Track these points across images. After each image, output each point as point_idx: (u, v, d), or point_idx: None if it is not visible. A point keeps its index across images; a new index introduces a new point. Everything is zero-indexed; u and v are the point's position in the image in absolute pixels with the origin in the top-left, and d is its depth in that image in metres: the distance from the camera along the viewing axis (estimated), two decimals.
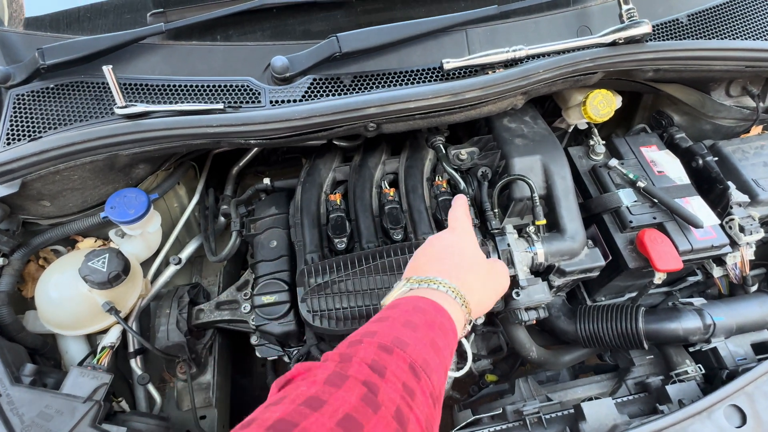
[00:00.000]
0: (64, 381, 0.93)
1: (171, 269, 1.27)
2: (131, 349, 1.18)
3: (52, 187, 1.01)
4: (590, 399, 1.08)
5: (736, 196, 1.17)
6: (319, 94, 1.01)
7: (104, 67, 0.92)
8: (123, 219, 1.03)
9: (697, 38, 1.13)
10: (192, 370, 1.24)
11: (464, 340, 1.10)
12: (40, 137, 0.97)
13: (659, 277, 1.08)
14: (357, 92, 1.01)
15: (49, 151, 0.94)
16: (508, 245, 1.02)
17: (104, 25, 1.11)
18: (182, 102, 1.00)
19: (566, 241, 1.06)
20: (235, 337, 1.52)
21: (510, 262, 1.02)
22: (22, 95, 1.02)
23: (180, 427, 1.22)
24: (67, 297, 1.06)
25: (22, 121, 1.00)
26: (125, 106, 0.95)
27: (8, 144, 0.97)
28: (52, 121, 1.00)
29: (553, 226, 1.10)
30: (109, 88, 1.01)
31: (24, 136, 0.98)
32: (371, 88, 1.02)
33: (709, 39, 1.13)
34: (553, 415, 1.05)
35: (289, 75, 1.01)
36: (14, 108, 1.01)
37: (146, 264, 1.25)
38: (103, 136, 0.95)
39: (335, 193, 1.15)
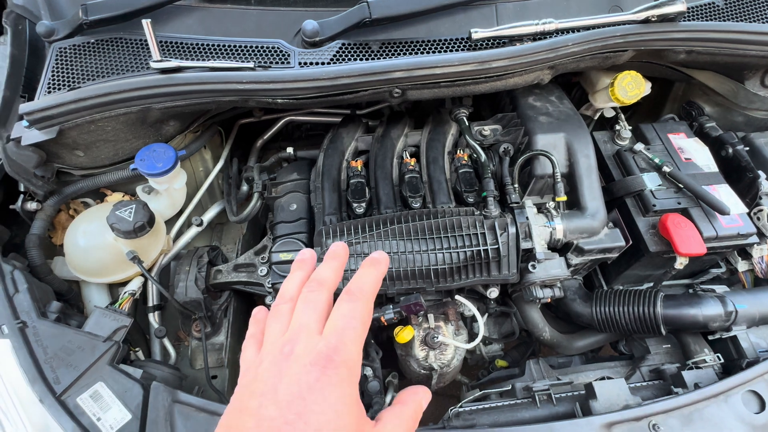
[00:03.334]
0: (86, 321, 0.97)
1: (193, 230, 1.30)
2: (150, 304, 1.21)
3: (86, 137, 1.05)
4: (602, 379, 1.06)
5: (767, 186, 1.13)
6: (347, 58, 1.02)
7: (143, 21, 0.95)
8: (151, 171, 1.07)
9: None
10: (207, 329, 1.26)
11: (478, 316, 1.10)
12: (79, 87, 1.01)
13: (680, 262, 1.06)
14: (385, 58, 1.02)
15: (87, 100, 0.98)
16: (527, 218, 1.02)
17: None
18: (215, 60, 1.03)
19: (586, 218, 1.05)
20: (249, 304, 1.55)
21: (528, 236, 1.01)
22: (64, 48, 1.07)
23: (192, 383, 1.24)
24: (93, 245, 1.10)
25: (62, 72, 1.04)
26: (160, 60, 0.99)
27: (49, 92, 1.02)
28: (90, 73, 1.04)
29: (574, 204, 1.09)
30: (145, 45, 1.06)
31: (64, 85, 1.03)
32: (399, 55, 1.03)
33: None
34: (564, 394, 1.04)
35: (319, 39, 1.03)
36: (56, 60, 1.06)
37: (169, 224, 1.29)
38: (138, 87, 0.98)
39: (357, 160, 1.16)
